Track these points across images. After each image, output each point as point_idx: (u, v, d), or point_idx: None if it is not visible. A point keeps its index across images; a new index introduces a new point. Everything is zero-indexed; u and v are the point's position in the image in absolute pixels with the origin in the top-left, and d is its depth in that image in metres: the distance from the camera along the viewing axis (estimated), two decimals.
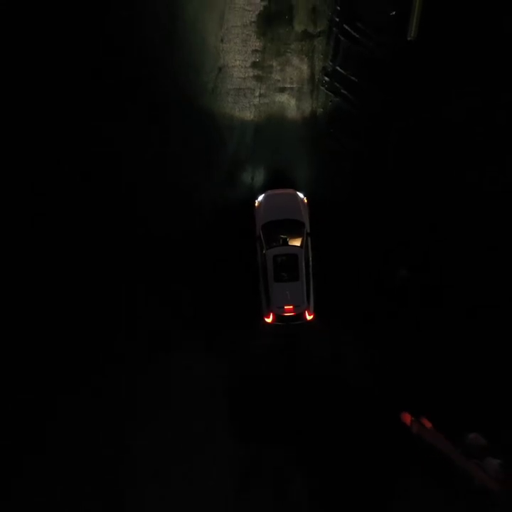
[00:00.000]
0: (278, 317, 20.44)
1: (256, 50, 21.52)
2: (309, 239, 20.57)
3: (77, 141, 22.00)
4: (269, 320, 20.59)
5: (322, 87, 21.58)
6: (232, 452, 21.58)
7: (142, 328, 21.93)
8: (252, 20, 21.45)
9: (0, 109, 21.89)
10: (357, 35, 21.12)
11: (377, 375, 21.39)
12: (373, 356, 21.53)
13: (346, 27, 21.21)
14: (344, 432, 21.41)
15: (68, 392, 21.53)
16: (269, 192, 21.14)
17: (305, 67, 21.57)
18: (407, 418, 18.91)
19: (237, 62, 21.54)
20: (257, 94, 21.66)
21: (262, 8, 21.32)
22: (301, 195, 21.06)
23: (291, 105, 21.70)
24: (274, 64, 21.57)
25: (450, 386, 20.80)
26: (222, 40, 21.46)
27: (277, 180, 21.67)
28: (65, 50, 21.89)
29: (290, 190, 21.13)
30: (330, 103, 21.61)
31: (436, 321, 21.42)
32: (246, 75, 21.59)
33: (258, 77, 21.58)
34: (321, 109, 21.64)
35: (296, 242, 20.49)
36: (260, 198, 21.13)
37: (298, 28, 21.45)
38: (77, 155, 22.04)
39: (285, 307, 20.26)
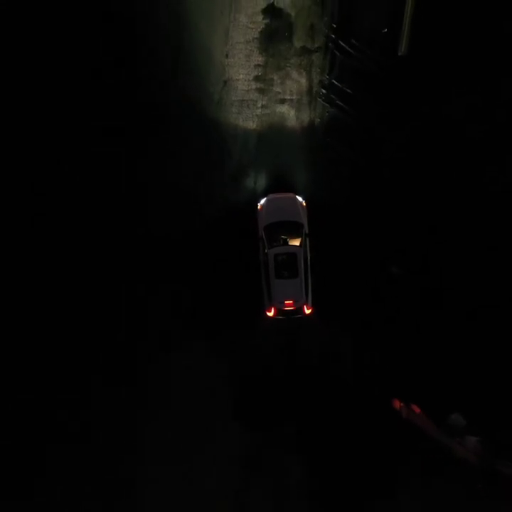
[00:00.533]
0: (279, 311, 20.92)
1: (258, 65, 22.02)
2: (308, 239, 21.18)
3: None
4: (270, 314, 21.04)
5: (319, 99, 22.05)
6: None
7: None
8: (255, 37, 21.88)
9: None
10: (351, 51, 21.59)
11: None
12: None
13: (342, 43, 21.64)
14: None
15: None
16: (271, 196, 21.76)
17: (304, 81, 22.03)
18: (397, 404, 19.91)
19: (241, 75, 22.03)
20: (259, 105, 22.14)
21: (263, 26, 21.80)
22: (300, 198, 21.72)
23: (290, 115, 22.15)
24: (275, 77, 22.04)
25: (447, 381, 20.80)
26: (227, 56, 21.94)
27: (278, 184, 22.12)
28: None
29: (290, 194, 21.73)
30: (327, 113, 22.06)
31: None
32: (249, 87, 22.07)
33: (260, 89, 22.06)
34: (319, 119, 22.11)
35: (296, 242, 21.14)
36: (262, 201, 21.72)
37: (297, 44, 21.89)
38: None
39: (285, 302, 20.75)
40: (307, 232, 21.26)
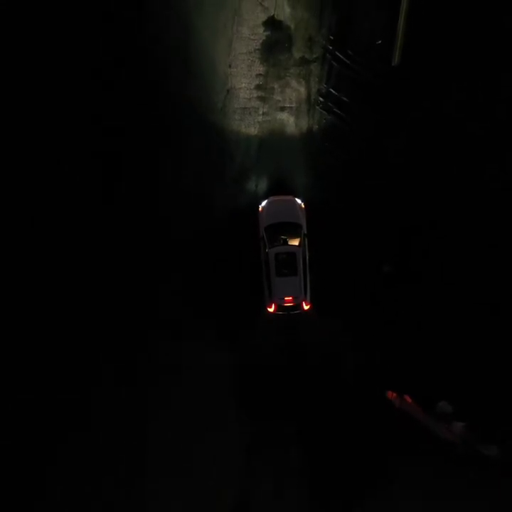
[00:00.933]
0: (279, 307, 21.69)
1: (259, 74, 22.38)
2: (306, 239, 21.88)
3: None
4: (271, 309, 21.75)
5: (317, 107, 22.48)
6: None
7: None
8: (256, 48, 22.17)
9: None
10: (348, 61, 22.02)
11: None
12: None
13: (338, 54, 22.07)
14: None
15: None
16: (271, 198, 22.38)
17: (302, 89, 22.43)
18: (390, 394, 20.96)
19: (243, 84, 22.41)
20: (260, 112, 22.58)
21: (264, 38, 22.07)
22: (299, 201, 22.31)
23: (290, 122, 22.60)
24: (276, 86, 22.44)
25: (437, 372, 21.30)
26: (230, 66, 22.24)
27: (278, 187, 22.66)
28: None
29: (289, 197, 22.35)
30: (324, 120, 22.50)
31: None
32: (251, 95, 22.48)
33: (261, 97, 22.50)
34: (317, 126, 22.55)
35: (295, 242, 21.86)
36: (263, 203, 22.34)
37: (296, 54, 22.22)
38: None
39: (285, 298, 21.49)
40: (306, 232, 21.92)
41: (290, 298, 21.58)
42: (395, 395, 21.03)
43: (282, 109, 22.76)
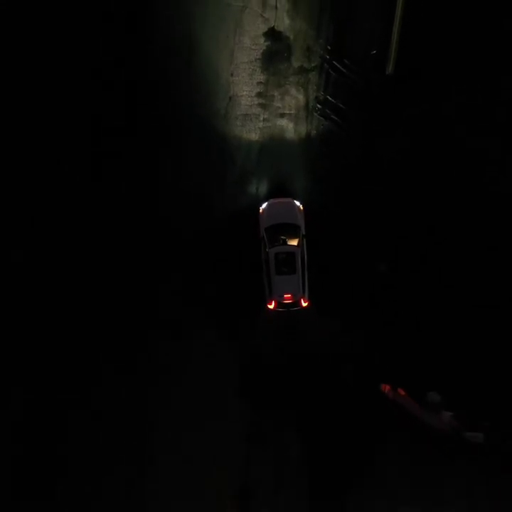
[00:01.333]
0: (279, 304, 22.04)
1: (260, 82, 22.94)
2: (304, 240, 22.40)
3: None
4: (271, 306, 22.09)
5: (315, 113, 23.03)
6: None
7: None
8: (257, 57, 22.76)
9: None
10: (344, 70, 22.66)
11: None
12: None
13: (335, 63, 22.68)
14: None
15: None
16: (271, 200, 22.89)
17: (301, 97, 23.00)
18: (384, 387, 21.40)
19: (245, 92, 22.97)
20: (261, 118, 23.11)
21: (265, 48, 22.69)
22: (297, 203, 22.80)
23: (289, 128, 23.14)
24: (276, 94, 23.00)
25: (429, 366, 21.68)
26: (232, 74, 22.84)
27: (278, 190, 23.12)
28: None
29: (288, 199, 22.86)
30: (322, 126, 23.04)
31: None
32: (252, 102, 23.04)
33: (262, 104, 23.05)
34: (315, 132, 23.09)
35: (294, 242, 22.33)
36: (263, 205, 22.85)
37: (295, 64, 22.80)
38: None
39: (285, 295, 21.88)
40: (304, 233, 22.42)
41: (289, 295, 21.97)
42: (388, 387, 21.36)
43: (282, 115, 23.28)
